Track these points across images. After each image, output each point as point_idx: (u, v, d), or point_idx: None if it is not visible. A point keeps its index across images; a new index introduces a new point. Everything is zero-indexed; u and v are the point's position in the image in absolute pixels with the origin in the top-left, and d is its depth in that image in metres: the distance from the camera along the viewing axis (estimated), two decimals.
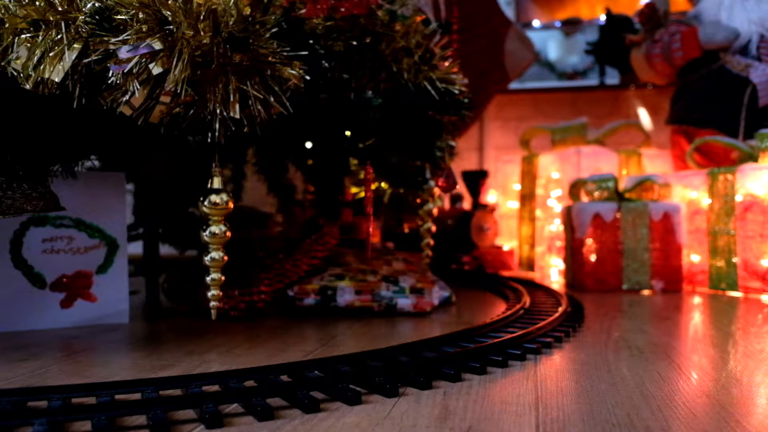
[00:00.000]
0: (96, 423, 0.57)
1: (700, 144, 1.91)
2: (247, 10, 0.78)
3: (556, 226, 2.15)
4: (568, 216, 1.84)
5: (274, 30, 0.83)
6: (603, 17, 2.55)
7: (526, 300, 1.29)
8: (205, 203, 0.81)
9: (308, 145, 1.07)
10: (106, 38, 0.70)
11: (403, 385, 0.72)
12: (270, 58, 0.77)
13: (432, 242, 1.40)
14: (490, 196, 2.38)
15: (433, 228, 1.39)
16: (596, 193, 1.83)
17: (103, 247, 1.16)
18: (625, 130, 2.45)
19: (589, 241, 1.75)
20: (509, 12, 2.75)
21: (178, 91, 0.71)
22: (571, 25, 2.83)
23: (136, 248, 1.37)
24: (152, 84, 0.71)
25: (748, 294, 1.61)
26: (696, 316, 1.36)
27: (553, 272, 2.16)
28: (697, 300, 1.57)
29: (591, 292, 1.68)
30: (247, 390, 0.66)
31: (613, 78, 2.70)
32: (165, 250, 1.32)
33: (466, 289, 1.69)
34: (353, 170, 1.49)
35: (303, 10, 0.97)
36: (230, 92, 0.73)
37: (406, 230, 1.72)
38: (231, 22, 0.73)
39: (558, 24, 2.87)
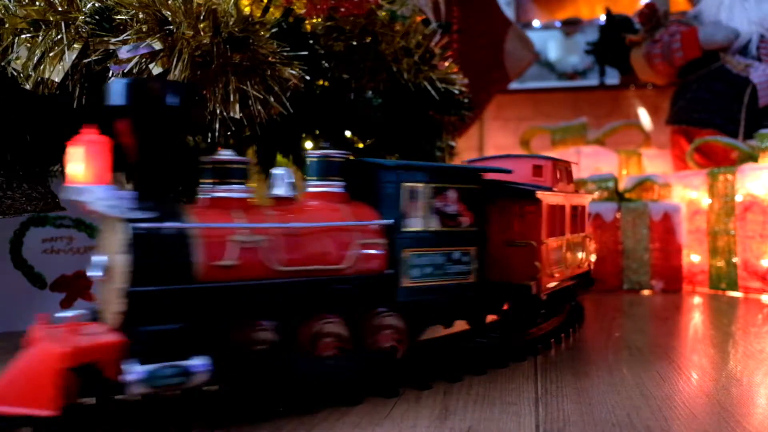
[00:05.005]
0: (96, 423, 0.57)
1: (700, 144, 1.91)
2: (247, 10, 0.78)
3: None
4: None
5: (274, 30, 0.83)
6: (603, 17, 2.54)
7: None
8: None
9: (308, 145, 1.06)
10: (106, 38, 0.71)
11: (403, 385, 0.72)
12: (270, 58, 0.77)
13: None
14: None
15: None
16: (596, 193, 1.83)
17: None
18: (625, 130, 2.44)
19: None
20: (509, 12, 2.75)
21: None
22: (571, 25, 2.83)
23: None
24: None
25: (748, 294, 1.61)
26: (696, 316, 1.36)
27: None
28: (697, 300, 1.57)
29: (591, 292, 1.68)
30: (247, 390, 0.66)
31: (613, 78, 2.69)
32: None
33: None
34: None
35: (303, 10, 0.97)
36: (230, 92, 0.73)
37: None
38: (231, 22, 0.74)
39: (558, 24, 2.87)
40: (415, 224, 0.73)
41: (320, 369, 0.65)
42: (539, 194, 0.87)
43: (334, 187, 0.72)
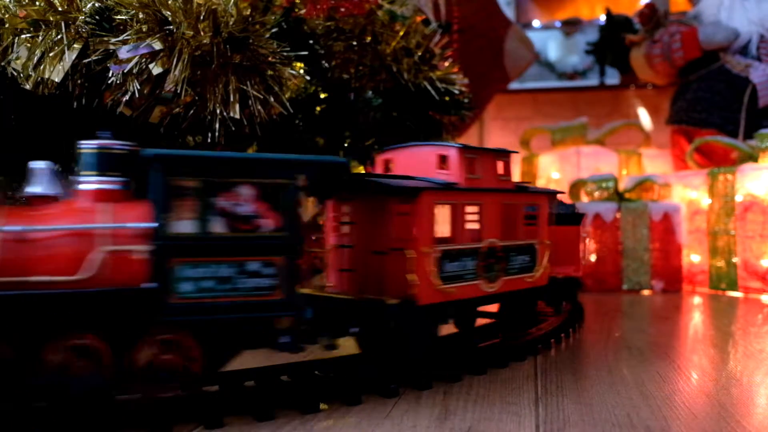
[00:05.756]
0: (96, 423, 0.57)
1: (700, 144, 1.91)
2: (247, 11, 0.78)
3: None
4: None
5: (274, 30, 0.83)
6: (603, 17, 2.54)
7: None
8: None
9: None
10: (106, 38, 0.71)
11: (403, 385, 0.72)
12: (270, 58, 0.77)
13: None
14: None
15: None
16: (596, 193, 1.83)
17: None
18: (625, 130, 2.44)
19: (589, 242, 1.75)
20: (509, 12, 2.75)
21: (178, 91, 0.71)
22: (571, 25, 2.83)
23: None
24: (152, 84, 0.71)
25: (748, 294, 1.61)
26: (696, 316, 1.36)
27: None
28: (697, 300, 1.57)
29: (591, 292, 1.68)
30: (247, 390, 0.66)
31: (613, 78, 2.69)
32: None
33: None
34: None
35: (303, 10, 0.97)
36: (230, 92, 0.73)
37: None
38: (231, 22, 0.74)
39: (558, 24, 2.87)
40: (187, 228, 0.59)
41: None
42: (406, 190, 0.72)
43: (110, 183, 0.60)
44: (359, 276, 0.78)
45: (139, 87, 0.70)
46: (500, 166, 0.85)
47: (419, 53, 1.10)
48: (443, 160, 0.80)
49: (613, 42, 2.44)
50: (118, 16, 0.71)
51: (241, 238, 0.61)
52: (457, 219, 0.79)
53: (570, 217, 1.06)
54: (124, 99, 0.71)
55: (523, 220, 0.88)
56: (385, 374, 0.72)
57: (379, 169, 0.87)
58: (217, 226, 0.60)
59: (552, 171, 2.27)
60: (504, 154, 0.86)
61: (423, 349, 0.76)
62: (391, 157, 0.86)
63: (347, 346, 0.74)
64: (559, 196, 1.00)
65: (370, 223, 0.78)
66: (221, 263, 0.60)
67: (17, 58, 0.71)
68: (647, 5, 2.23)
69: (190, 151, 0.61)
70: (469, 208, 0.80)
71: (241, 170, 0.61)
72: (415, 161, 0.82)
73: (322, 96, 1.02)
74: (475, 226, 0.82)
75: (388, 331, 0.73)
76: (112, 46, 0.70)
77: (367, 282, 0.77)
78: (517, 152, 0.90)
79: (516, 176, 2.42)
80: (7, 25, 0.72)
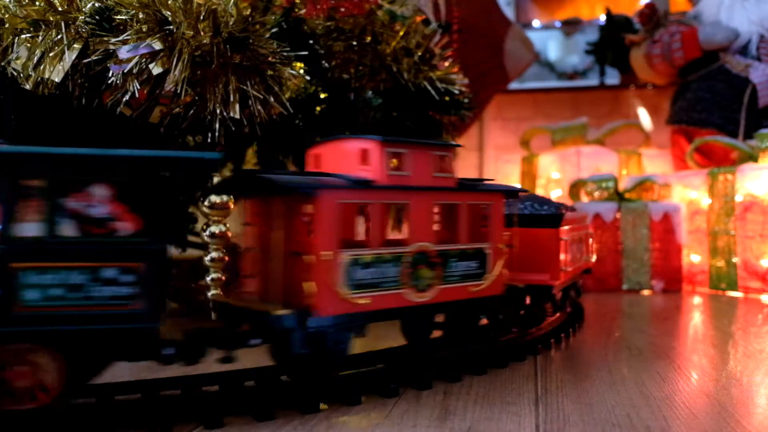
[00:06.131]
0: (96, 423, 0.57)
1: (700, 144, 1.91)
2: (247, 11, 0.78)
3: None
4: None
5: (274, 30, 0.83)
6: (603, 17, 2.54)
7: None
8: (205, 203, 0.81)
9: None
10: (106, 38, 0.71)
11: (403, 385, 0.72)
12: (270, 58, 0.77)
13: None
14: None
15: None
16: (596, 193, 1.83)
17: None
18: (625, 130, 2.44)
19: (590, 242, 1.75)
20: (509, 12, 2.75)
21: (178, 91, 0.71)
22: (571, 25, 2.83)
23: None
24: (152, 84, 0.71)
25: (748, 294, 1.61)
26: (696, 316, 1.36)
27: None
28: (697, 300, 1.57)
29: (591, 292, 1.68)
30: (247, 390, 0.66)
31: (613, 78, 2.69)
32: None
33: None
34: None
35: (303, 11, 0.97)
36: (230, 92, 0.73)
37: None
38: (231, 22, 0.74)
39: (558, 24, 2.87)
40: (33, 231, 0.54)
41: None
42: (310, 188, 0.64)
43: None
44: (264, 283, 0.71)
45: (139, 87, 0.70)
46: (439, 162, 0.75)
47: (419, 53, 1.10)
48: (364, 155, 0.71)
49: (613, 42, 2.44)
50: (118, 16, 0.71)
51: (93, 242, 0.56)
52: (375, 220, 0.69)
53: (544, 218, 0.96)
54: (124, 99, 0.71)
55: (470, 222, 0.78)
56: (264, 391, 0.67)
57: (309, 166, 0.80)
58: (67, 229, 0.55)
59: (552, 171, 2.27)
60: (443, 148, 0.76)
61: (330, 364, 0.68)
62: (320, 152, 0.78)
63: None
64: (554, 196, 0.94)
65: (278, 226, 0.70)
66: (72, 269, 0.55)
67: (17, 58, 0.71)
68: (647, 5, 2.23)
69: (37, 148, 0.55)
70: (394, 209, 0.73)
71: (94, 168, 0.56)
72: (341, 156, 0.74)
73: (322, 96, 1.02)
74: (404, 227, 0.73)
75: (285, 344, 0.65)
76: (112, 46, 0.70)
77: (270, 289, 0.70)
78: (461, 146, 0.79)
79: (515, 176, 2.42)
80: (7, 25, 0.72)
